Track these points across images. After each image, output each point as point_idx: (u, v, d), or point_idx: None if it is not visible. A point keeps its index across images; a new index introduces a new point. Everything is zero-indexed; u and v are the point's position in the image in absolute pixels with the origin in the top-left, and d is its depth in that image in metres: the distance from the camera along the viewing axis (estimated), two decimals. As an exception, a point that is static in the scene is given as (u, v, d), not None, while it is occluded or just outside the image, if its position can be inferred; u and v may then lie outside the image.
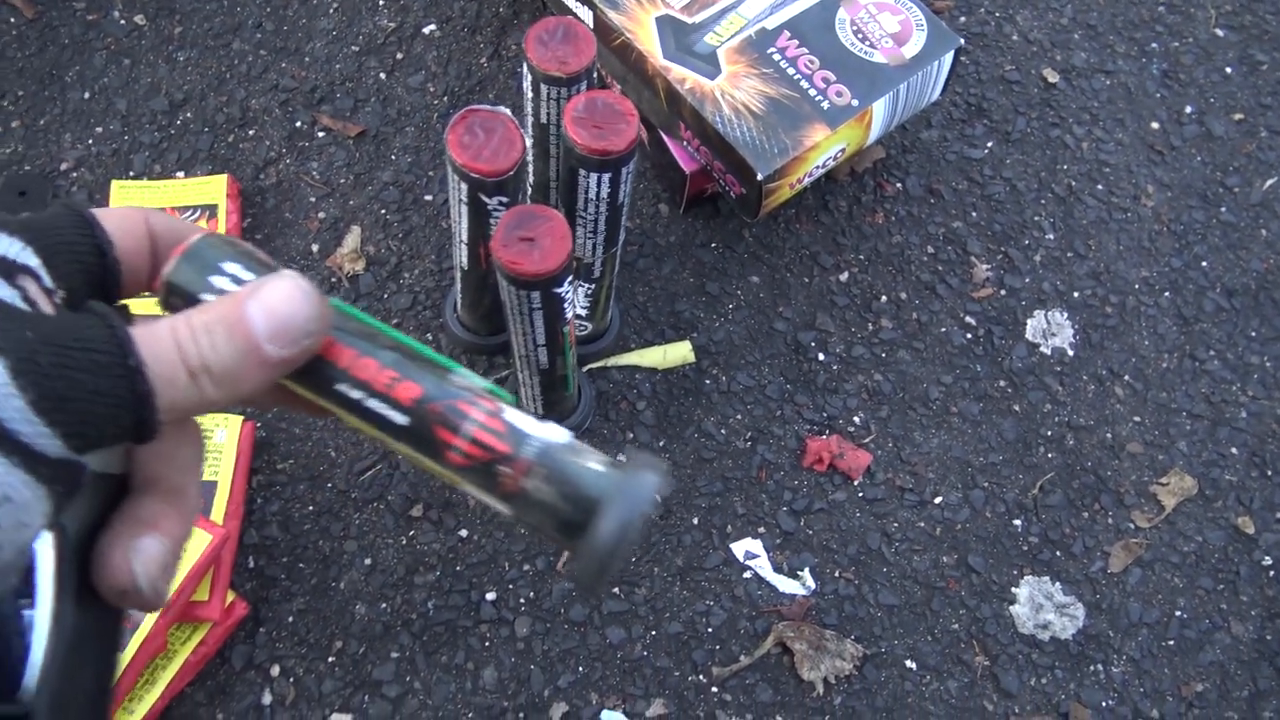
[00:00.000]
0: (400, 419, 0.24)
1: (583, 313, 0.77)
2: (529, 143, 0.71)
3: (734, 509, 0.78)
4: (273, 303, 0.23)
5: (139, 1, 0.94)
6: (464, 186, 0.61)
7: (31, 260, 0.23)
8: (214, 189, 0.82)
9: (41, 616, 0.22)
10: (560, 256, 0.57)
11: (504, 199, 0.62)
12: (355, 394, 0.24)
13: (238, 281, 0.25)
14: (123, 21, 0.93)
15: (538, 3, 0.95)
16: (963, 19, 0.99)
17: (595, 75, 0.66)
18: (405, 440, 0.24)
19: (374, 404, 0.24)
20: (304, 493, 0.76)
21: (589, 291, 0.74)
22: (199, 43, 0.92)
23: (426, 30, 0.94)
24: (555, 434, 0.25)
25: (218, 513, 0.71)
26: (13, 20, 0.92)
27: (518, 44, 0.94)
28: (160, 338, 0.22)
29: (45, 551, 0.23)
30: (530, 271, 0.57)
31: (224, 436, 0.74)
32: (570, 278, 0.60)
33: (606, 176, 0.62)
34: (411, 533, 0.75)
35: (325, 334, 0.24)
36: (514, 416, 0.24)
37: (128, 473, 0.24)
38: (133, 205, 0.26)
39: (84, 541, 0.23)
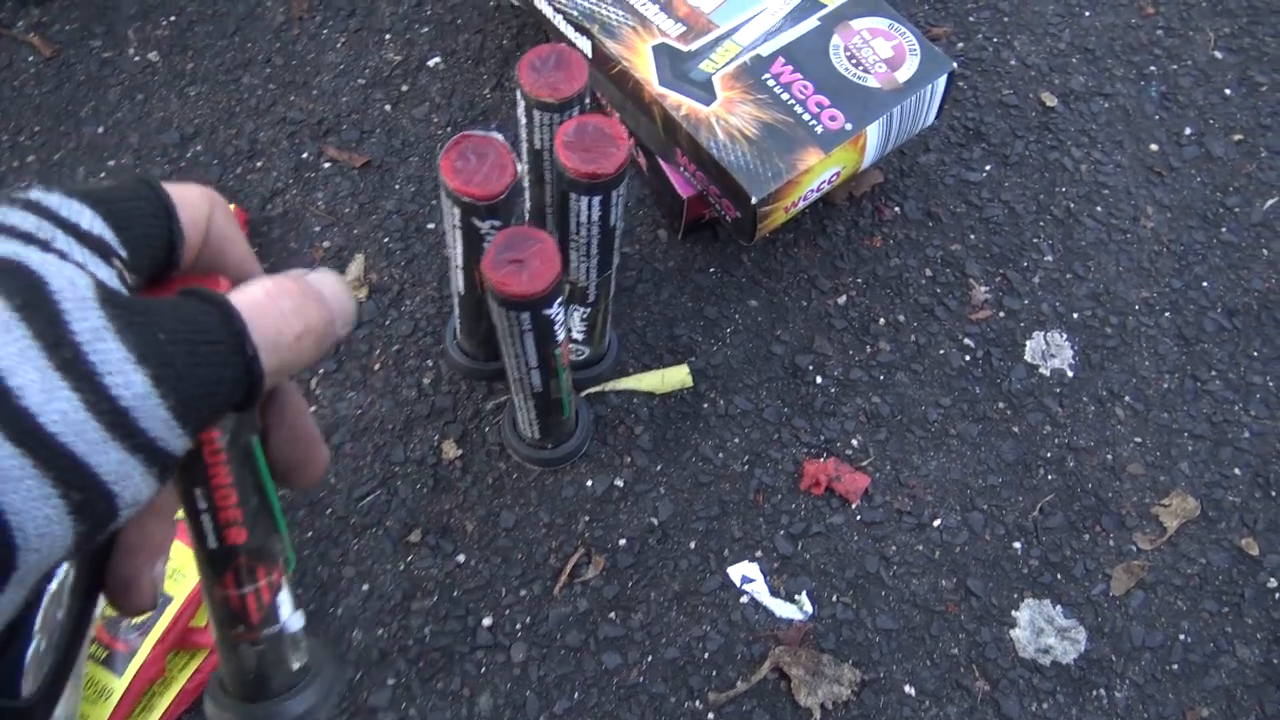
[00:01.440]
0: (213, 545, 0.27)
1: (579, 337, 0.78)
2: (524, 168, 0.72)
3: (731, 533, 0.78)
4: (325, 283, 0.26)
5: (153, 39, 0.96)
6: (457, 211, 0.62)
7: (121, 251, 0.23)
8: (220, 219, 0.84)
9: (49, 614, 0.24)
10: (549, 277, 0.58)
11: (497, 223, 0.63)
12: (202, 504, 0.26)
13: None
14: (137, 59, 0.95)
15: (540, 35, 0.97)
16: (960, 44, 1.00)
17: (588, 101, 0.67)
18: (201, 558, 0.28)
19: (205, 521, 0.27)
20: (303, 519, 0.77)
21: (585, 316, 0.75)
22: (210, 78, 0.95)
23: (431, 63, 0.96)
24: (295, 622, 0.30)
25: (219, 536, 0.72)
26: (31, 59, 0.95)
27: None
28: (267, 310, 0.23)
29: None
30: (518, 292, 0.57)
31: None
32: (560, 299, 0.61)
33: (597, 200, 0.63)
34: (409, 558, 0.76)
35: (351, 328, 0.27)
36: (281, 596, 0.29)
37: None
38: (199, 190, 0.26)
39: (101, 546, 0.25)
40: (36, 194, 0.22)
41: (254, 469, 0.27)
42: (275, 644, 0.29)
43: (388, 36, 0.98)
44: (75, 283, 0.20)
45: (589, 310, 0.75)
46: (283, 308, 0.23)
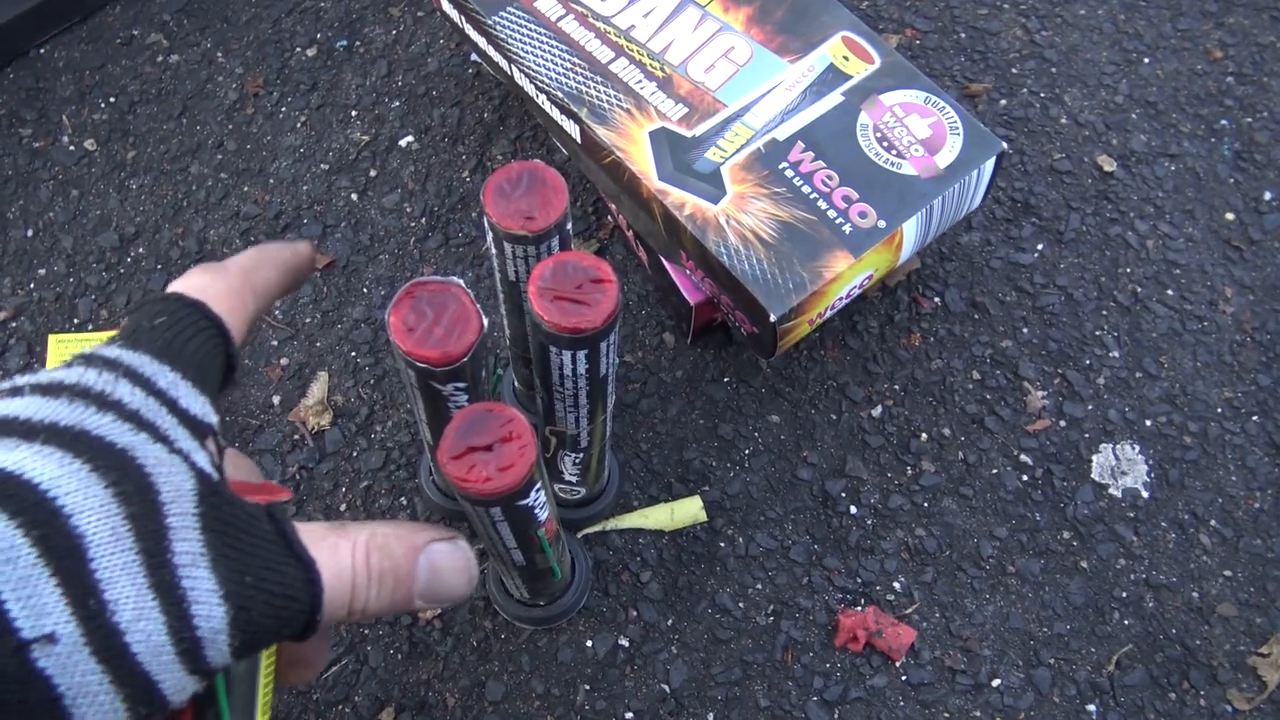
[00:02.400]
0: None
1: (573, 479, 0.67)
2: (501, 296, 0.61)
3: (755, 700, 0.67)
4: (441, 568, 0.27)
5: (90, 124, 0.86)
6: (412, 374, 0.51)
7: (212, 416, 0.24)
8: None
9: None
10: (522, 471, 0.46)
11: (461, 384, 0.52)
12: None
13: None
14: (72, 148, 0.85)
15: (524, 108, 0.86)
16: (1003, 101, 0.88)
17: (569, 228, 0.56)
18: None
19: None
20: (259, 697, 0.66)
21: (578, 460, 0.64)
22: (154, 167, 0.84)
23: (403, 143, 0.85)
24: None
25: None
26: (-44, 150, 0.85)
27: (503, 154, 0.85)
28: (342, 581, 0.24)
29: None
30: (485, 491, 0.46)
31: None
32: (539, 485, 0.49)
33: (583, 354, 0.52)
34: (382, 742, 0.65)
35: (463, 598, 0.28)
36: None
37: None
38: (238, 278, 0.28)
39: None
40: (130, 357, 0.23)
41: (252, 684, 0.27)
42: None
43: (354, 113, 0.87)
44: (182, 490, 0.22)
45: (582, 455, 0.63)
46: (366, 589, 0.25)
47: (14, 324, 0.77)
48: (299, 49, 0.90)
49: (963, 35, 0.91)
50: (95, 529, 0.20)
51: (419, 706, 0.66)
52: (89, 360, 0.23)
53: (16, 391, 0.22)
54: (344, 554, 0.25)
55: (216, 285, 0.27)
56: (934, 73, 0.88)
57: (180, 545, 0.21)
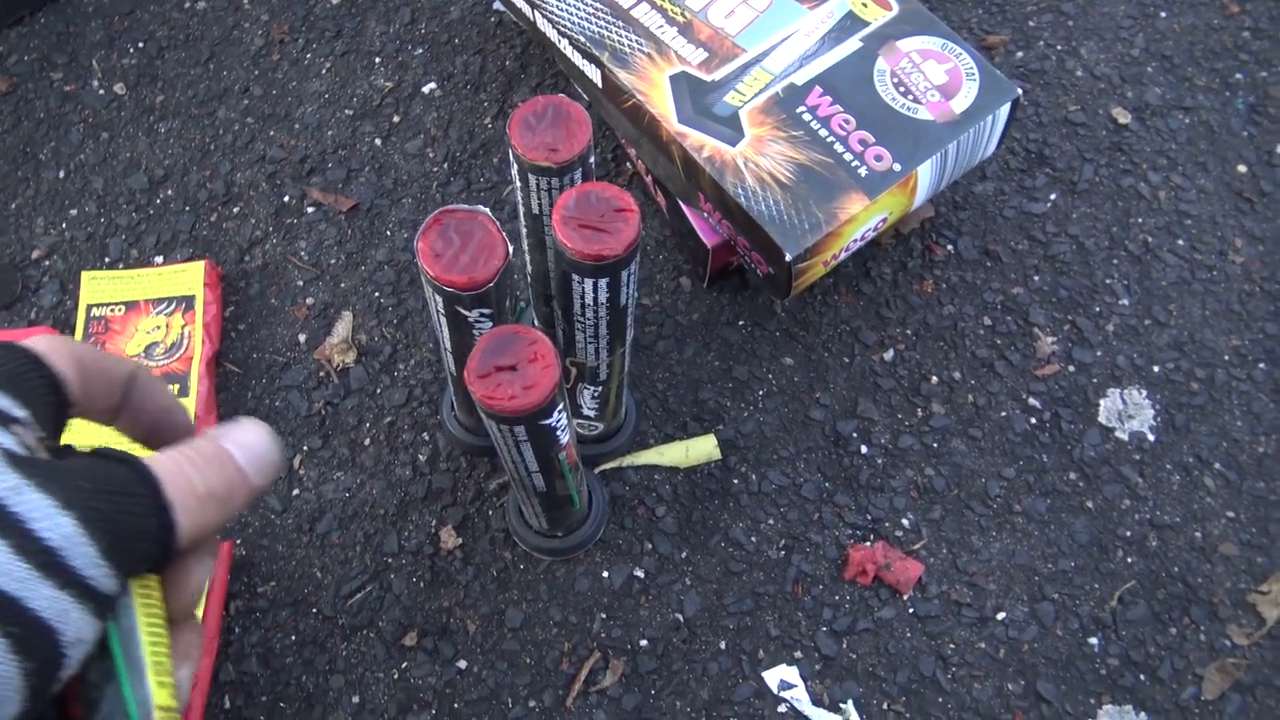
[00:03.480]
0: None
1: (591, 413, 0.69)
2: (523, 232, 0.63)
3: (767, 630, 0.69)
4: (247, 441, 0.28)
5: (119, 69, 0.87)
6: (439, 299, 0.53)
7: (18, 411, 0.25)
8: (191, 278, 0.75)
9: None
10: (545, 389, 0.48)
11: (486, 310, 0.54)
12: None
13: None
14: (102, 91, 0.86)
15: (545, 56, 0.87)
16: (1020, 54, 0.88)
17: (592, 161, 0.57)
18: None
19: None
20: (286, 620, 0.69)
21: (596, 394, 0.66)
22: (182, 111, 0.86)
23: (426, 89, 0.87)
24: None
25: (189, 650, 0.64)
26: (-12, 93, 0.87)
27: (524, 100, 0.86)
28: (174, 473, 0.25)
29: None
30: (510, 409, 0.48)
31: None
32: (561, 405, 0.51)
33: (604, 282, 0.54)
34: (405, 664, 0.68)
35: (282, 466, 0.32)
36: None
37: None
38: (51, 337, 0.28)
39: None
40: None
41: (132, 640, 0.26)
42: None
43: (378, 60, 0.88)
44: None
45: (600, 389, 0.65)
46: (188, 473, 0.26)
47: (47, 262, 0.79)
48: (323, -3, 0.91)
49: (980, -12, 0.92)
50: None
51: (441, 631, 0.68)
52: None
53: None
54: (160, 457, 0.26)
55: (47, 337, 0.28)
56: (952, 24, 0.89)
57: (25, 498, 0.21)
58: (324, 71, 0.87)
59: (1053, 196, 0.82)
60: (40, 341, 0.28)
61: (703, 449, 0.73)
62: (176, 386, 0.72)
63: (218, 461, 0.27)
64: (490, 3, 0.90)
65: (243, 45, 0.89)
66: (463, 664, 0.68)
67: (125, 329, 0.73)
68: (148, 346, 0.73)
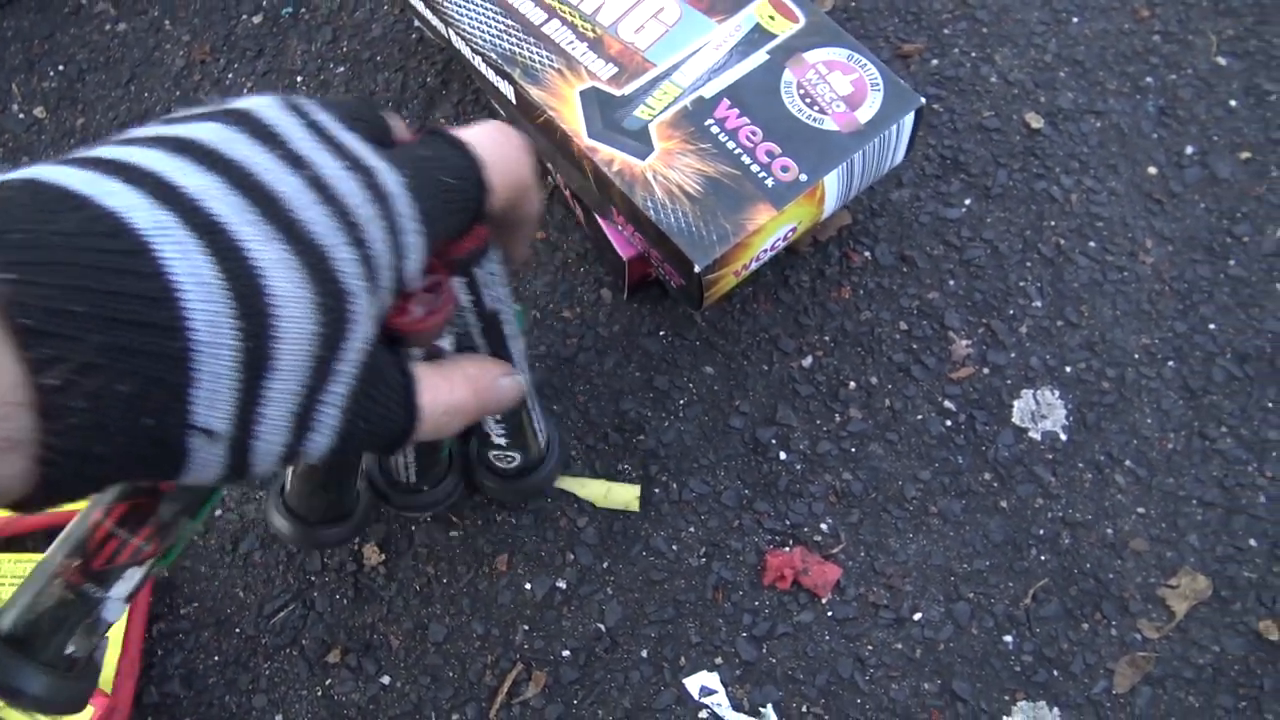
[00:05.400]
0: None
1: (502, 441, 0.68)
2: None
3: (688, 637, 0.70)
4: (506, 399, 0.35)
5: (39, 92, 0.87)
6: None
7: (413, 267, 0.27)
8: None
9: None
10: (442, 316, 0.46)
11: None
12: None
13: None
14: (21, 115, 0.86)
15: (465, 73, 0.88)
16: (935, 61, 0.90)
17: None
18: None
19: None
20: (209, 640, 0.69)
21: (501, 417, 0.66)
22: (103, 133, 0.86)
23: (347, 107, 0.87)
24: (112, 612, 0.30)
25: (106, 675, 0.64)
26: (-93, 119, 0.86)
27: (445, 117, 0.87)
28: (432, 420, 0.29)
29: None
30: (408, 328, 0.48)
31: (119, 582, 0.67)
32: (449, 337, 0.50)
33: (463, 282, 0.54)
34: (328, 681, 0.68)
35: None
36: (131, 573, 0.29)
37: None
38: (517, 148, 0.30)
39: None
40: (395, 185, 0.26)
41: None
42: (81, 608, 0.28)
43: (299, 79, 0.88)
44: (363, 340, 0.25)
45: (505, 412, 0.66)
46: (445, 422, 0.29)
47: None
48: (245, 15, 0.91)
49: (898, -3, 0.93)
50: (289, 359, 0.22)
51: (364, 648, 0.69)
52: (368, 169, 0.26)
53: (314, 123, 0.26)
54: (443, 395, 0.29)
55: (510, 159, 0.30)
56: (867, 34, 0.91)
57: (333, 389, 0.24)
58: (246, 91, 0.88)
59: (967, 201, 0.84)
60: (497, 151, 0.29)
61: (622, 496, 0.74)
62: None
63: (476, 411, 0.32)
64: (411, 20, 0.90)
65: (164, 66, 0.89)
66: (386, 679, 0.68)
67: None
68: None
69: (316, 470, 0.51)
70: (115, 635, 0.65)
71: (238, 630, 0.69)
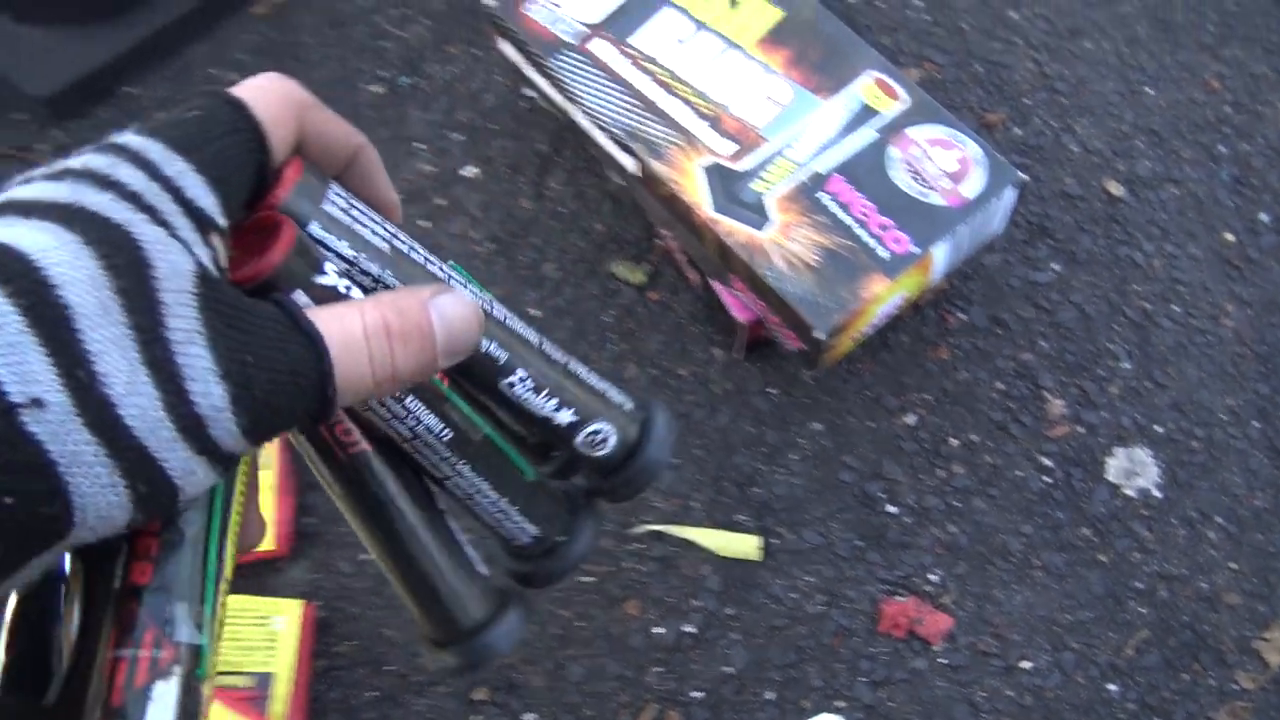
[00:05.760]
0: (116, 584, 0.24)
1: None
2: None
3: (810, 681, 0.74)
4: (451, 316, 0.25)
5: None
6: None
7: (220, 217, 0.23)
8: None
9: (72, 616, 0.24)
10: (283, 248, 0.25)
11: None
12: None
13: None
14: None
15: (576, 141, 0.93)
16: (1017, 131, 0.95)
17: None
18: (95, 601, 0.24)
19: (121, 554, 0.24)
20: (363, 678, 0.73)
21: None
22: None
23: (466, 173, 0.93)
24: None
25: (277, 708, 0.69)
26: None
27: (559, 183, 0.92)
28: (354, 348, 0.23)
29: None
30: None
31: (283, 624, 0.72)
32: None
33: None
34: (478, 717, 0.72)
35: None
36: (160, 690, 0.24)
37: None
38: (283, 97, 0.25)
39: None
40: (139, 142, 0.22)
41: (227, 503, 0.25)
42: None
43: (420, 146, 0.94)
44: (178, 270, 0.21)
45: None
46: (379, 352, 0.23)
47: None
48: (366, 86, 0.97)
49: (979, 69, 0.99)
50: (84, 300, 0.19)
51: (509, 687, 0.73)
52: (99, 146, 0.23)
53: (28, 180, 0.22)
54: (352, 321, 0.23)
55: (274, 90, 0.26)
56: (953, 104, 0.96)
57: (174, 322, 0.20)
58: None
59: (1055, 266, 0.89)
60: (259, 90, 0.25)
61: (742, 546, 0.78)
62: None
63: (418, 342, 0.24)
64: (523, 90, 0.96)
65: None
66: (530, 716, 0.72)
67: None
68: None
69: (413, 579, 0.31)
70: (283, 671, 0.70)
71: (390, 668, 0.73)
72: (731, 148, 0.79)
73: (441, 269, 0.28)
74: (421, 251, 0.28)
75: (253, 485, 0.28)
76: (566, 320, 0.86)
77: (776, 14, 0.84)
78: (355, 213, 0.28)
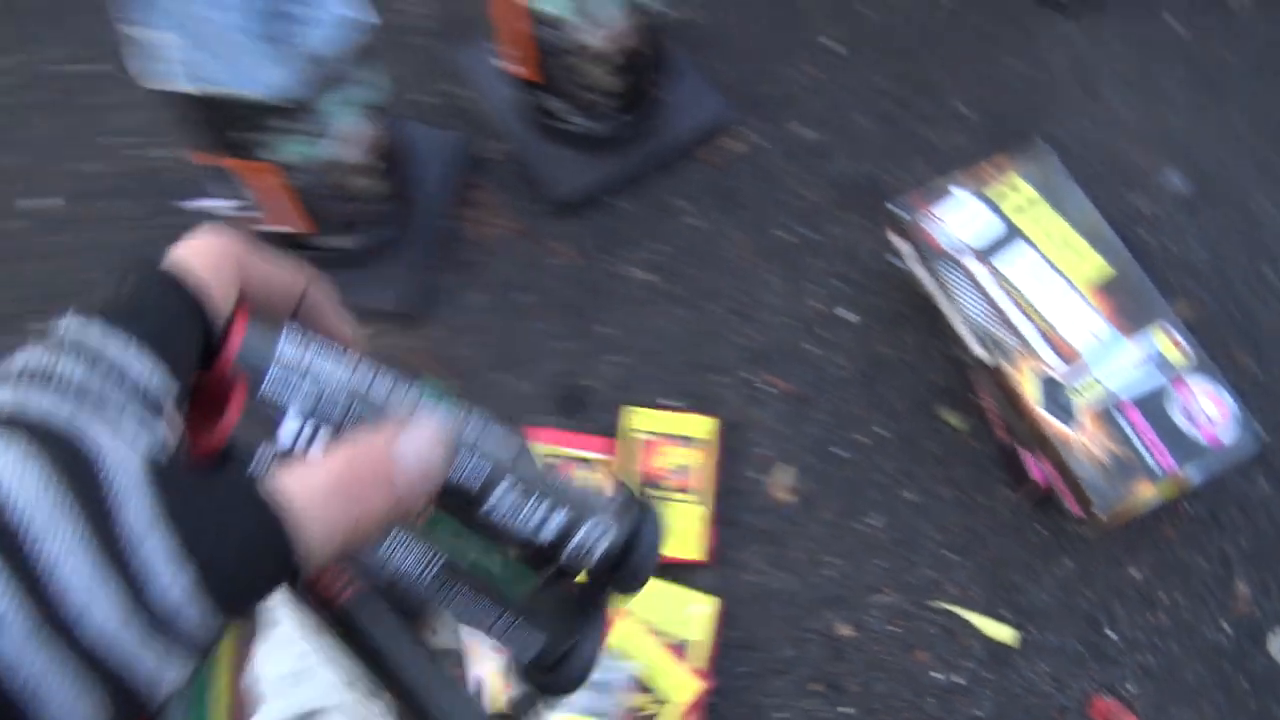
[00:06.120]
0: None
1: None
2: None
3: (1031, 736, 1.10)
4: (414, 458, 0.24)
5: (653, 263, 1.32)
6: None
7: (166, 396, 0.24)
8: (705, 427, 1.19)
9: None
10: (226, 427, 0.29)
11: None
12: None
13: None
14: (640, 277, 1.31)
15: (930, 313, 1.29)
16: (1261, 376, 1.27)
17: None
18: None
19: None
20: (741, 657, 1.12)
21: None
22: (689, 302, 1.30)
23: (843, 315, 1.29)
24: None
25: (695, 657, 1.08)
26: (554, 262, 1.32)
27: (911, 339, 1.28)
28: (320, 509, 0.22)
29: None
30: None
31: (699, 610, 1.11)
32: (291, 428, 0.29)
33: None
34: (809, 702, 1.10)
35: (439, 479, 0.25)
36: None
37: None
38: (224, 247, 0.27)
39: None
40: (77, 327, 0.23)
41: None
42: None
43: (810, 285, 1.31)
44: (126, 462, 0.21)
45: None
46: (343, 509, 0.23)
47: (599, 389, 1.24)
48: (778, 232, 1.34)
49: (1236, 313, 1.30)
50: (33, 513, 0.19)
51: (834, 685, 1.11)
52: (41, 340, 0.23)
53: None
54: (313, 479, 0.23)
55: (211, 246, 0.26)
56: (1207, 341, 1.28)
57: (129, 515, 0.20)
58: (773, 285, 1.31)
59: (1264, 484, 1.21)
60: (196, 247, 0.26)
61: (1003, 633, 1.14)
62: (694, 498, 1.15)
63: (381, 495, 0.24)
64: (887, 255, 1.32)
65: (722, 258, 1.33)
66: (848, 709, 1.10)
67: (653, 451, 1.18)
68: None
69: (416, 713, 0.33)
70: (703, 637, 1.09)
71: (757, 654, 1.12)
72: (1060, 364, 1.14)
73: (408, 393, 0.28)
74: (386, 379, 0.28)
75: (242, 654, 0.28)
76: (901, 442, 1.22)
77: (1104, 266, 1.18)
78: (312, 351, 0.28)
